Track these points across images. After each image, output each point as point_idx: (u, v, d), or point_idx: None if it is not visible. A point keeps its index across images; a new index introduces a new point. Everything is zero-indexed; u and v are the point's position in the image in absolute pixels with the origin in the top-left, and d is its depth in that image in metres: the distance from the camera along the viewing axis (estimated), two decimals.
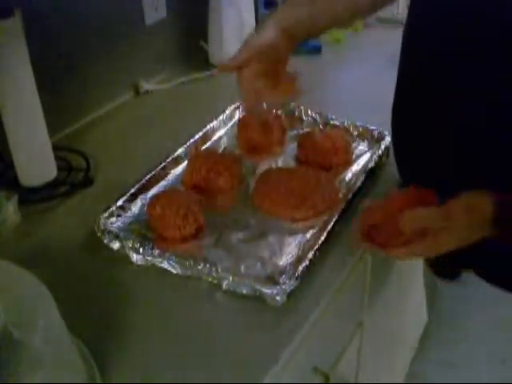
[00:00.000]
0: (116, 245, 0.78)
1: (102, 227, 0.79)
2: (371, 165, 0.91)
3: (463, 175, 0.70)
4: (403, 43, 0.76)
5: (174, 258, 0.74)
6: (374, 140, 0.98)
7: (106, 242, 0.78)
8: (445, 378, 0.84)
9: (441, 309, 0.84)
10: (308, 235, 0.79)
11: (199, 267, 0.73)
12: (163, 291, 0.73)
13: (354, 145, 0.97)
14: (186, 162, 0.93)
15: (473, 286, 0.74)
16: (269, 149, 0.97)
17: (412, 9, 0.73)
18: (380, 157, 0.93)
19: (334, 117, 1.03)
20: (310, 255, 0.74)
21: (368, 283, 0.90)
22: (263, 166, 0.93)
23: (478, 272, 0.72)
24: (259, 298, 0.70)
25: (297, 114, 1.06)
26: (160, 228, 0.79)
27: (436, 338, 0.85)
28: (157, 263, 0.75)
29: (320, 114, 1.05)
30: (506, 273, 0.71)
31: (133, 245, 0.76)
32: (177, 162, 0.93)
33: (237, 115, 1.06)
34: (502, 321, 0.74)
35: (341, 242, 0.79)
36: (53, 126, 0.92)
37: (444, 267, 0.79)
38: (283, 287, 0.69)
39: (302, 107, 1.05)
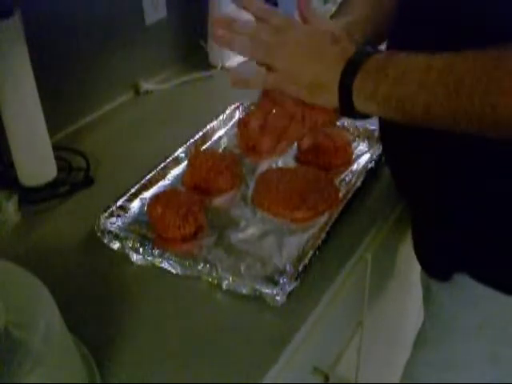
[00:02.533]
0: (116, 245, 0.78)
1: (102, 227, 0.79)
2: (371, 165, 0.91)
3: (450, 179, 0.70)
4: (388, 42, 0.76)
5: (173, 257, 0.74)
6: (374, 140, 0.98)
7: (105, 241, 0.78)
8: (438, 378, 0.84)
9: (434, 309, 0.84)
10: (308, 235, 0.79)
11: (199, 267, 0.73)
12: (163, 291, 0.73)
13: (353, 145, 0.97)
14: (185, 162, 0.93)
15: (465, 286, 0.74)
16: None
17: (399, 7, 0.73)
18: (380, 157, 0.93)
19: None
20: (310, 255, 0.74)
21: (368, 283, 0.90)
22: (263, 166, 0.93)
23: (470, 272, 0.72)
24: (259, 298, 0.70)
25: None
26: (160, 228, 0.79)
27: (429, 338, 0.85)
28: (157, 263, 0.75)
29: None
30: (499, 273, 0.71)
31: (133, 245, 0.76)
32: (177, 162, 0.93)
33: (237, 115, 1.06)
34: (494, 321, 0.74)
35: (341, 241, 0.79)
36: (53, 126, 0.92)
37: (437, 268, 0.79)
38: (283, 287, 0.69)
39: None
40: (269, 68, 0.65)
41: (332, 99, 0.63)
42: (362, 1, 0.80)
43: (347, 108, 0.63)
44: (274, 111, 0.71)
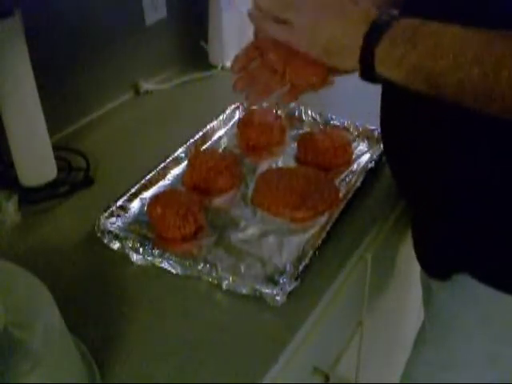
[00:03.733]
0: (116, 245, 0.78)
1: (102, 227, 0.79)
2: (371, 165, 0.91)
3: (452, 174, 0.70)
4: None
5: (173, 258, 0.74)
6: (374, 140, 0.98)
7: (105, 241, 0.78)
8: (438, 378, 0.84)
9: (434, 309, 0.84)
10: (308, 235, 0.79)
11: (199, 267, 0.73)
12: (163, 291, 0.73)
13: (354, 145, 0.97)
14: (185, 162, 0.93)
15: (465, 286, 0.74)
16: (269, 149, 0.97)
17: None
18: (380, 157, 0.93)
19: (333, 117, 1.03)
20: (310, 255, 0.74)
21: (368, 283, 0.90)
22: (263, 166, 0.93)
23: (471, 272, 0.72)
24: (259, 298, 0.70)
25: (297, 114, 1.06)
26: (160, 228, 0.79)
27: (429, 338, 0.85)
28: (157, 263, 0.75)
29: (320, 114, 1.05)
30: (499, 272, 0.71)
31: (133, 245, 0.76)
32: (177, 161, 0.93)
33: (237, 115, 1.06)
34: (495, 320, 0.74)
35: (341, 241, 0.79)
36: (53, 126, 0.92)
37: (437, 268, 0.79)
38: (283, 287, 0.69)
39: (302, 107, 1.06)
40: (283, 21, 0.64)
41: (350, 61, 0.62)
42: None
43: (367, 71, 0.61)
44: (257, 62, 0.70)
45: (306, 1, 0.63)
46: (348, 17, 0.62)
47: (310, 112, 1.05)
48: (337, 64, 0.65)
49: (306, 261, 0.73)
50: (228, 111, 1.05)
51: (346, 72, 0.66)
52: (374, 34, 0.59)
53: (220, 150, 0.98)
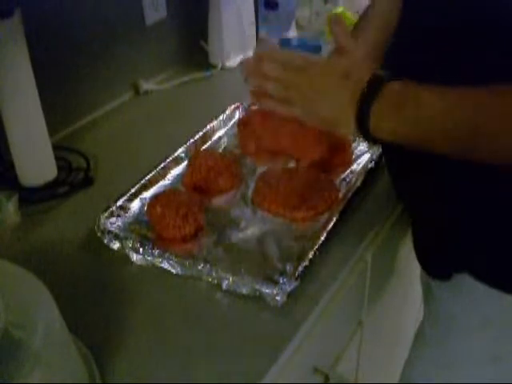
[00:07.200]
0: (116, 245, 0.78)
1: (102, 227, 0.79)
2: (371, 165, 0.91)
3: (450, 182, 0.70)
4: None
5: (173, 257, 0.74)
6: None
7: (106, 242, 0.78)
8: (437, 378, 0.84)
9: (434, 308, 0.84)
10: (308, 235, 0.79)
11: (199, 267, 0.73)
12: (163, 291, 0.73)
13: (354, 145, 0.97)
14: (185, 162, 0.93)
15: (466, 285, 0.74)
16: None
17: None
18: (380, 157, 0.92)
19: None
20: (310, 255, 0.74)
21: (368, 283, 0.90)
22: (263, 166, 0.93)
23: (471, 272, 0.72)
24: (259, 298, 0.70)
25: None
26: (160, 228, 0.79)
27: (428, 337, 0.86)
28: (157, 263, 0.75)
29: None
30: (499, 272, 0.71)
31: (133, 245, 0.76)
32: (177, 161, 0.93)
33: (237, 115, 1.06)
34: (495, 320, 0.74)
35: (341, 242, 0.79)
36: (53, 126, 0.92)
37: (437, 268, 0.79)
38: (283, 287, 0.69)
39: None
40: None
41: (350, 131, 0.66)
42: (375, 27, 0.81)
43: (368, 137, 0.65)
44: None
45: (301, 86, 0.67)
46: (339, 95, 0.65)
47: None
48: (341, 133, 0.72)
49: (306, 261, 0.73)
50: (228, 111, 1.05)
51: None
52: (364, 108, 0.62)
53: (220, 150, 0.98)
